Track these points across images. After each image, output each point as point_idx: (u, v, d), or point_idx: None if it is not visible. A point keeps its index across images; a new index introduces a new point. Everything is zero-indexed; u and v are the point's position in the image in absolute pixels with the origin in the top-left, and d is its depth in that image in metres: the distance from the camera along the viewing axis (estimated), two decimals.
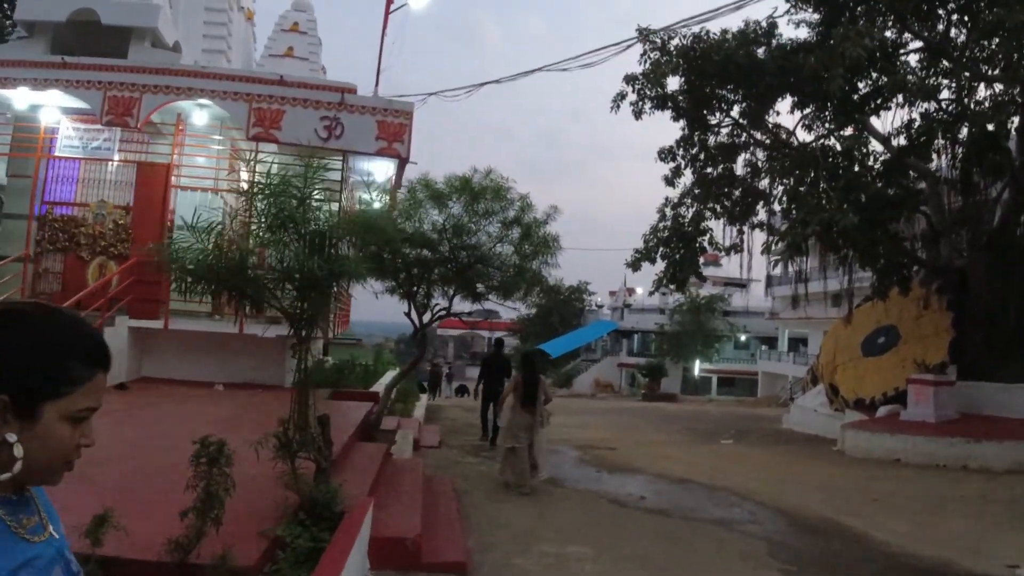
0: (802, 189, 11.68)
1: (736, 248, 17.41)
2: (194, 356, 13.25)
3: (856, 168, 11.37)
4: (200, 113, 13.01)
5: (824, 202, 9.98)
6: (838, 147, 11.91)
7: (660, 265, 16.19)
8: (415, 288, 9.23)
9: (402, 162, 11.94)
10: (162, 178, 13.07)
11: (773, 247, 13.56)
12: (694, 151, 15.57)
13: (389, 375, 17.55)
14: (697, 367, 45.81)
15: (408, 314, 9.58)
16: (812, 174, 10.95)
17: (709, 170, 15.71)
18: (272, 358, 13.31)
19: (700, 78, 13.47)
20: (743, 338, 46.61)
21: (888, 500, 8.23)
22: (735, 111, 15.05)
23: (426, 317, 10.00)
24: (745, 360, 46.84)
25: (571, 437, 13.73)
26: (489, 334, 78.68)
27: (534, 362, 9.30)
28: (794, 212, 11.87)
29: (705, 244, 16.63)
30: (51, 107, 13.08)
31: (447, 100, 17.02)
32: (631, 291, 54.74)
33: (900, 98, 12.40)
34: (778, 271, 42.84)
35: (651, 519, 7.18)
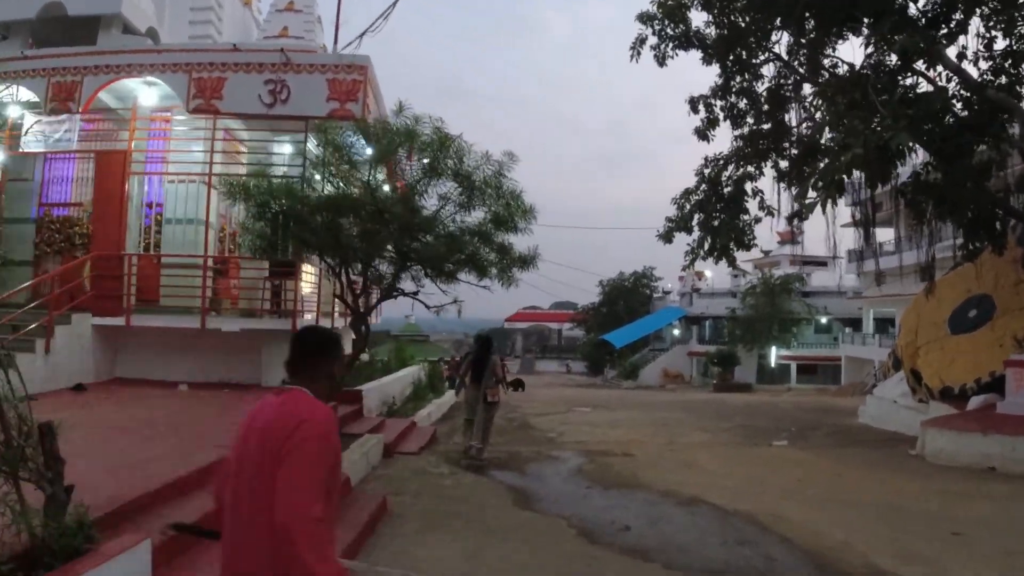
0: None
1: (800, 216, 14.80)
2: (170, 355, 12.10)
3: (918, 81, 8.79)
4: (149, 92, 11.91)
5: (874, 126, 7.49)
6: (894, 60, 9.30)
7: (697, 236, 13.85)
8: (340, 266, 7.47)
9: None
10: (120, 166, 12.02)
11: (811, 192, 10.86)
12: (732, 99, 13.15)
13: (405, 371, 15.98)
14: (774, 354, 42.33)
15: (341, 296, 7.85)
16: (860, 94, 8.42)
17: (749, 119, 13.25)
18: (248, 356, 11.95)
19: (729, 6, 11.10)
20: (824, 321, 42.69)
21: (975, 534, 5.87)
22: (781, 48, 12.56)
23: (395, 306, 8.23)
24: (827, 345, 42.97)
25: (589, 439, 11.75)
26: (558, 326, 76.78)
27: (486, 344, 9.64)
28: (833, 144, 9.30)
29: (757, 212, 14.13)
30: (14, 103, 12.55)
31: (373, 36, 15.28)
32: (700, 275, 51.40)
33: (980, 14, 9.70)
34: (859, 243, 38.91)
35: (619, 565, 5.16)
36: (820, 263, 50.64)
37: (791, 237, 51.89)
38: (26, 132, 12.24)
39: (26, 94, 12.43)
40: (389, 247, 7.04)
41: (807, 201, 8.40)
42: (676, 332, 50.19)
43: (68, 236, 12.83)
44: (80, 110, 11.43)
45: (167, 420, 8.14)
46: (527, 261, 7.72)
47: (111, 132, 12.62)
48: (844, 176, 7.72)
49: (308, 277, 11.85)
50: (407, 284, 8.97)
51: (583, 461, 9.45)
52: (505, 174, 7.06)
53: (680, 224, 13.58)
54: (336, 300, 7.82)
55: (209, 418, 8.30)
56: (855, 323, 41.41)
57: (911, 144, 6.88)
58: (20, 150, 12.43)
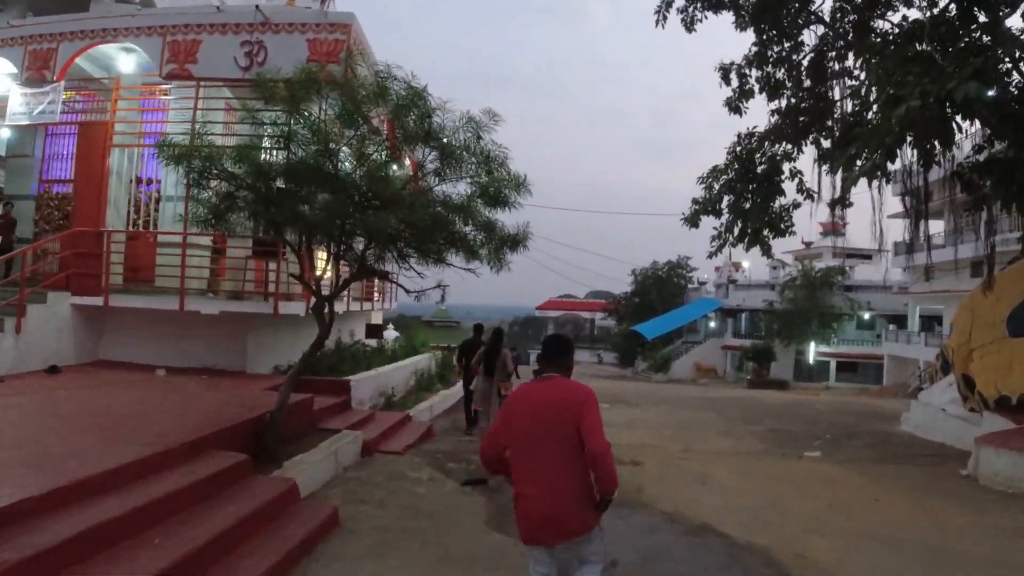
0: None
1: (843, 202, 13.44)
2: (155, 338, 11.43)
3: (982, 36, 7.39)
4: (127, 59, 11.18)
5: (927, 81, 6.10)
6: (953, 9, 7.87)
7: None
8: (301, 243, 6.52)
9: None
10: (101, 139, 11.32)
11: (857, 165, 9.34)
12: (769, 69, 11.85)
13: (409, 360, 15.10)
14: (812, 350, 40.51)
15: (299, 277, 6.91)
16: (914, 50, 7.07)
17: (787, 92, 11.93)
18: (234, 340, 11.20)
19: None
20: (867, 316, 40.65)
21: None
22: (825, 10, 11.21)
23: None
24: (869, 342, 40.98)
25: None
26: (591, 315, 75.44)
27: (497, 335, 10.14)
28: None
29: (796, 196, 12.80)
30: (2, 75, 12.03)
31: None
32: (737, 266, 49.64)
33: None
34: (907, 234, 36.64)
35: None
36: (864, 256, 48.40)
37: (834, 228, 49.84)
38: (11, 106, 11.69)
39: (7, 66, 11.86)
40: (350, 222, 6.00)
41: (849, 175, 7.08)
42: (712, 324, 48.57)
43: (67, 214, 12.32)
44: (56, 78, 10.77)
45: (119, 410, 7.44)
46: (517, 241, 6.66)
47: (96, 103, 11.97)
48: (895, 142, 6.39)
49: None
50: (392, 266, 7.99)
51: None
52: (484, 136, 5.99)
53: (707, 206, 12.37)
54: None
55: (162, 409, 7.50)
56: (899, 320, 39.40)
57: (979, 98, 5.59)
58: (4, 124, 11.90)
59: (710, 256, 12.61)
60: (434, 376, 15.75)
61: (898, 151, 7.01)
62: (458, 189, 6.89)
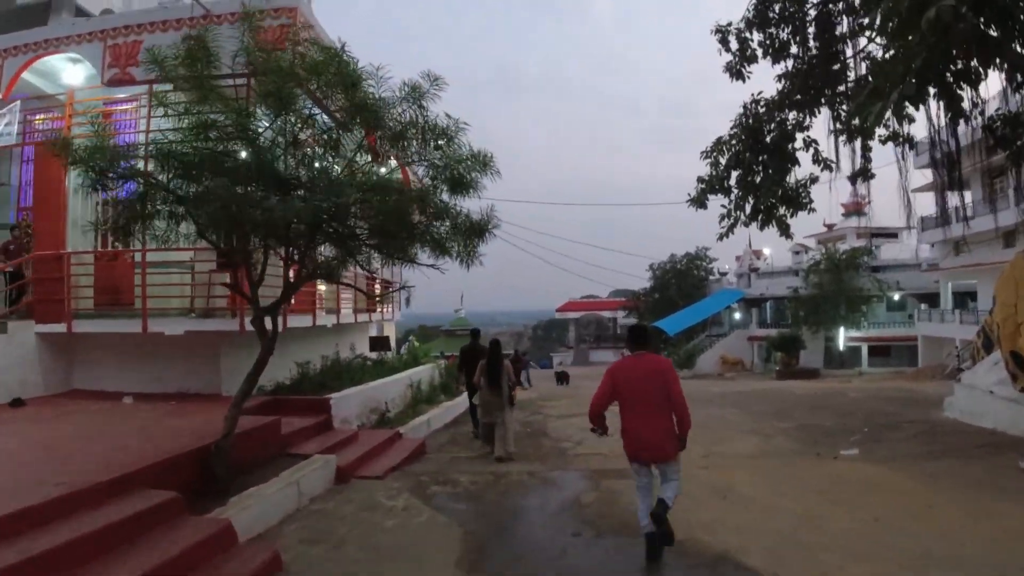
0: None
1: (864, 175, 12.28)
2: (128, 365, 10.68)
3: None
4: (75, 70, 10.45)
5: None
6: None
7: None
8: (230, 247, 5.61)
9: None
10: (56, 157, 10.59)
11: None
12: (772, 30, 10.79)
13: (405, 373, 14.15)
14: (842, 336, 38.94)
15: (232, 285, 6.01)
16: None
17: (793, 51, 10.85)
18: (208, 362, 10.37)
19: None
20: (897, 297, 38.95)
21: None
22: None
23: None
24: (901, 324, 39.29)
25: (610, 451, 9.64)
26: (612, 314, 74.06)
27: (495, 346, 10.00)
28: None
29: (812, 171, 11.68)
30: None
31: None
32: (758, 253, 48.12)
33: None
34: (937, 206, 34.82)
35: None
36: (890, 235, 46.68)
37: (857, 207, 48.23)
38: None
39: None
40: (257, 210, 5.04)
41: (871, 111, 5.93)
42: (737, 315, 47.11)
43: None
44: (2, 96, 10.07)
45: (60, 444, 6.71)
46: (482, 229, 5.70)
47: (51, 120, 11.26)
48: (926, 61, 5.22)
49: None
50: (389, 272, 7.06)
51: (585, 487, 7.42)
52: (429, 106, 5.05)
53: (714, 183, 11.28)
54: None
55: (104, 442, 6.67)
56: (930, 299, 37.74)
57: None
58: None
59: (720, 238, 11.51)
60: (437, 387, 14.84)
61: (928, 86, 5.87)
62: (418, 174, 5.97)
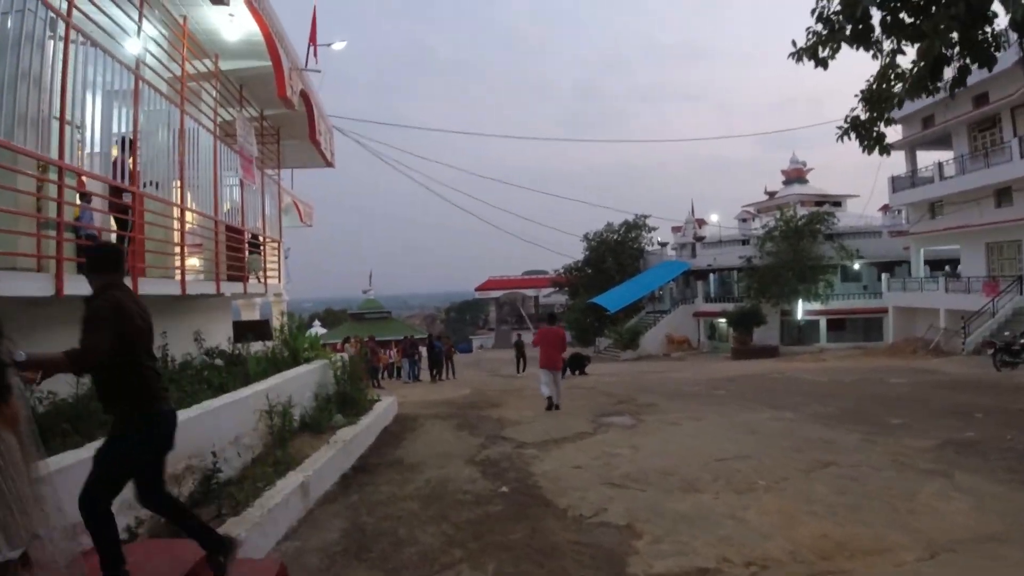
0: None
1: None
2: None
3: None
4: None
5: None
6: None
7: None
8: None
9: None
10: None
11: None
12: None
13: (271, 383, 8.15)
14: (800, 309, 35.25)
15: None
16: None
17: None
18: None
19: None
20: (857, 266, 35.54)
21: None
22: None
23: None
24: (857, 295, 36.03)
25: (567, 499, 4.26)
26: (536, 292, 69.07)
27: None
28: None
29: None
30: None
31: None
32: (701, 222, 44.00)
33: None
34: (905, 170, 31.28)
35: None
36: (835, 203, 43.64)
37: (798, 174, 44.34)
38: None
39: None
40: None
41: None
42: (676, 290, 42.94)
43: None
44: None
45: None
46: None
47: None
48: None
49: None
50: None
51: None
52: None
53: (850, 10, 5.95)
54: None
55: None
56: (891, 267, 34.51)
57: None
58: None
59: (843, 135, 6.36)
60: (332, 401, 8.95)
61: None
62: None
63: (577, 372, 21.02)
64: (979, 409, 10.14)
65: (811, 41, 6.41)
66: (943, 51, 5.98)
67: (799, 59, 6.49)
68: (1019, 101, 22.63)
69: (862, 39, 6.22)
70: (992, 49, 6.24)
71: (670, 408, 11.21)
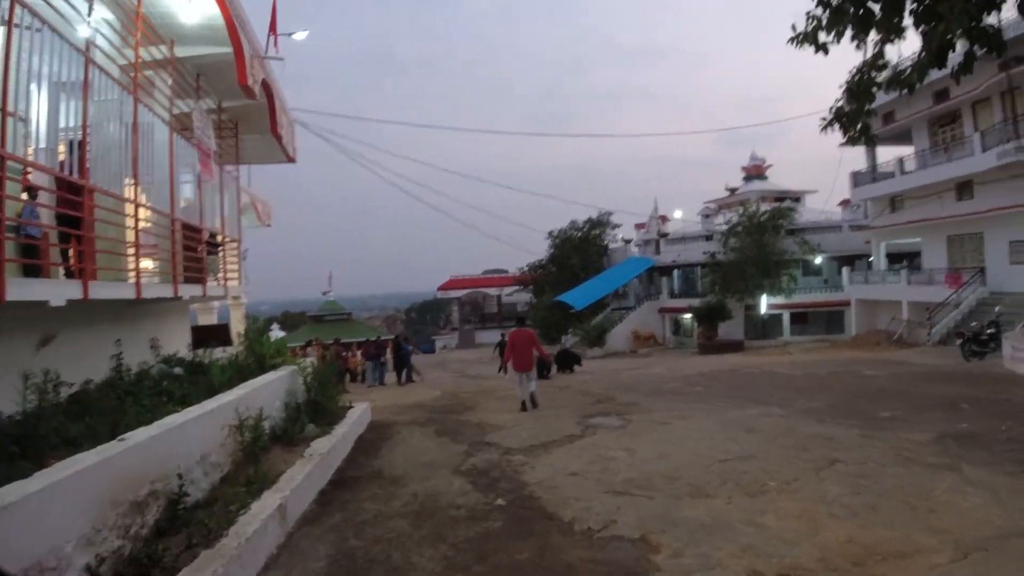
0: None
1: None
2: None
3: None
4: None
5: None
6: None
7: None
8: None
9: None
10: None
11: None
12: None
13: (236, 396, 7.53)
14: (764, 303, 35.56)
15: None
16: None
17: None
18: None
19: None
20: (819, 260, 36.01)
21: None
22: None
23: None
24: (818, 289, 36.51)
25: (571, 510, 3.94)
26: (498, 291, 68.59)
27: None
28: None
29: None
30: None
31: None
32: (664, 219, 44.15)
33: None
34: (865, 164, 31.73)
35: None
36: (794, 198, 44.27)
37: (758, 171, 44.84)
38: None
39: None
40: None
41: None
42: (641, 286, 42.97)
43: None
44: None
45: None
46: None
47: None
48: None
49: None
50: None
51: None
52: None
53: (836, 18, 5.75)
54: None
55: None
56: (852, 261, 35.09)
57: None
58: None
59: (871, 87, 6.17)
60: (303, 410, 8.36)
61: None
62: None
63: (566, 370, 20.53)
64: (963, 400, 10.08)
65: (812, 26, 6.11)
66: (948, 37, 5.73)
67: (800, 44, 6.19)
68: (980, 96, 23.01)
69: (863, 24, 5.94)
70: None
71: (654, 407, 10.90)
